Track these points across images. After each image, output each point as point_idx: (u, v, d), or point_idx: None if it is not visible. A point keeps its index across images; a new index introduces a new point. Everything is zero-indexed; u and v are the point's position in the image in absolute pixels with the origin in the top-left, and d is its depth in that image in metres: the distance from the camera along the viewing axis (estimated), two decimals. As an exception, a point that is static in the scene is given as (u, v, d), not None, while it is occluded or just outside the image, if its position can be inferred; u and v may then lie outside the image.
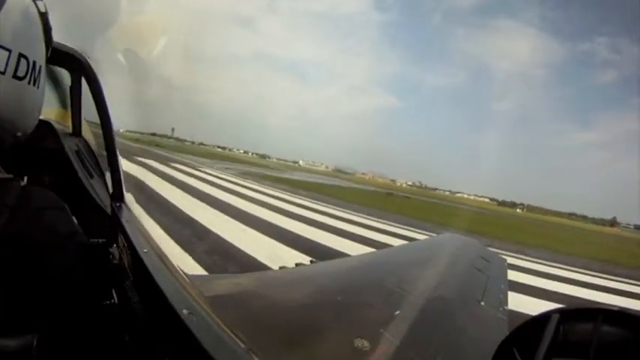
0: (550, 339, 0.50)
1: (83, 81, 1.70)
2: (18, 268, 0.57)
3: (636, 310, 0.49)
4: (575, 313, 0.53)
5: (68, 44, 1.50)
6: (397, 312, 1.36)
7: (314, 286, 1.63)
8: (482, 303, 1.68)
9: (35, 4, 0.69)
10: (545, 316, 0.54)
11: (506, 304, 1.73)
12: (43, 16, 0.70)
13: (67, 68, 1.76)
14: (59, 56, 1.47)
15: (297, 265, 1.93)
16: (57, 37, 0.77)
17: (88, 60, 1.53)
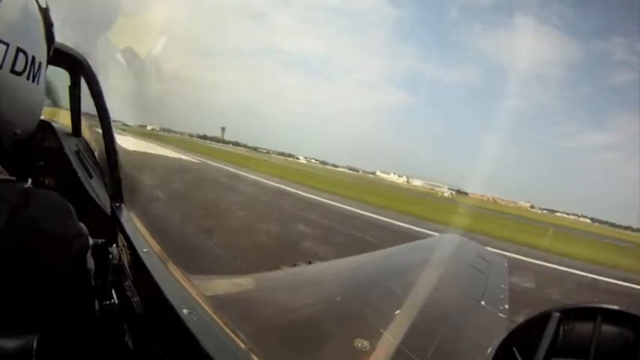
0: (550, 338, 0.51)
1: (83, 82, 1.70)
2: (19, 269, 0.57)
3: (636, 310, 0.49)
4: (576, 311, 0.53)
5: (69, 44, 1.50)
6: (397, 312, 1.36)
7: (314, 286, 1.63)
8: (483, 303, 1.68)
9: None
10: (545, 315, 0.54)
11: (507, 304, 1.73)
12: (44, 12, 0.68)
13: (66, 68, 1.76)
14: (59, 56, 1.47)
15: (296, 265, 1.93)
16: (57, 37, 0.76)
17: (88, 60, 1.53)
